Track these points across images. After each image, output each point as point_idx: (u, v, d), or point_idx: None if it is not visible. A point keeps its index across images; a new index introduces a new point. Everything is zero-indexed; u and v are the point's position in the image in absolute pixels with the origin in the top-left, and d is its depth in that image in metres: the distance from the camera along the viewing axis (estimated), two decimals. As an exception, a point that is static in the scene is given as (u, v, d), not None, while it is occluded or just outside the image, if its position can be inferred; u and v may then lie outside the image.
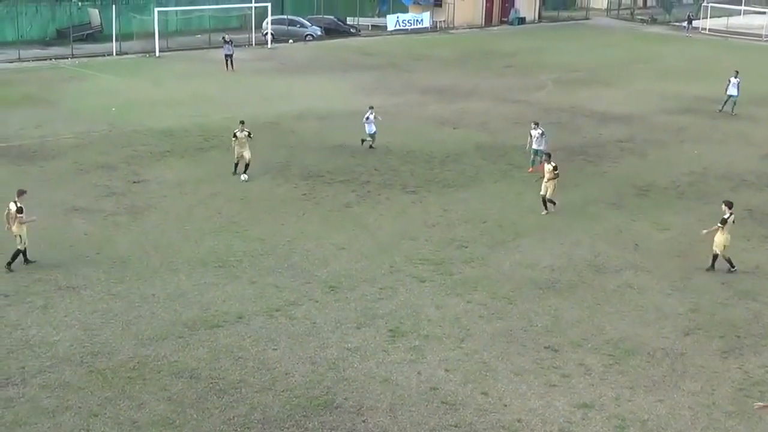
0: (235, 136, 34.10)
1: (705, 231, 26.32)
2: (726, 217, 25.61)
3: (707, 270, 26.07)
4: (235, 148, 34.25)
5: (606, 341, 21.67)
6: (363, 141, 38.70)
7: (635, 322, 22.80)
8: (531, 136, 35.40)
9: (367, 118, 38.35)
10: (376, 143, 38.61)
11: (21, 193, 25.20)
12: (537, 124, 35.74)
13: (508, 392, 19.23)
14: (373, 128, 38.43)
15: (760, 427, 18.27)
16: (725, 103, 48.16)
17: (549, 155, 31.49)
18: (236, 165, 34.38)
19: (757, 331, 22.53)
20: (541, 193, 30.73)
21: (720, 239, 25.79)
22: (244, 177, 33.62)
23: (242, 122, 34.68)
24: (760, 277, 25.89)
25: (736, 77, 47.82)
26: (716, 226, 25.78)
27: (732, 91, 47.81)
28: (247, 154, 34.03)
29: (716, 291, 24.91)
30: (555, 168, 30.41)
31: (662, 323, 22.75)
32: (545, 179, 30.61)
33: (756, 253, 26.98)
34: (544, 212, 30.48)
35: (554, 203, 30.76)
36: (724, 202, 26.35)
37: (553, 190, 30.57)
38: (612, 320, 22.84)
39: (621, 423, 18.21)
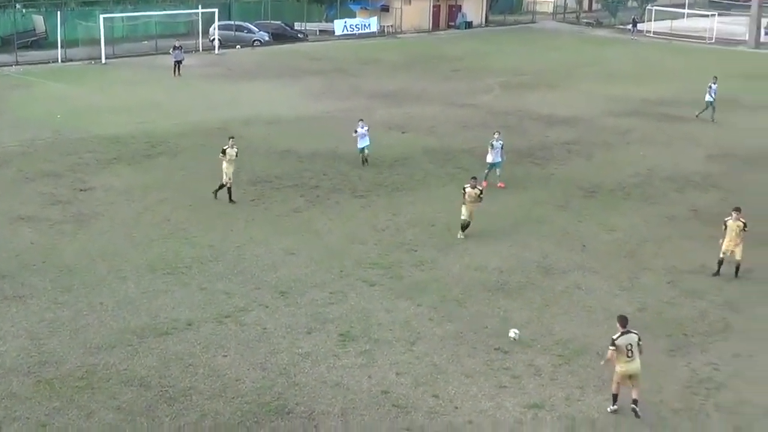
0: (223, 152, 31.42)
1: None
2: (743, 221, 25.68)
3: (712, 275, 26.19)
4: (225, 167, 31.38)
5: (555, 342, 21.84)
6: (364, 161, 36.84)
7: (584, 322, 23.01)
8: (492, 147, 33.99)
9: (356, 131, 36.92)
10: (369, 155, 37.06)
11: None
12: (499, 133, 34.84)
13: (459, 394, 19.31)
14: (367, 141, 36.86)
15: (707, 424, 18.54)
16: (710, 111, 46.87)
17: (475, 178, 29.63)
18: (226, 188, 31.63)
19: (704, 329, 22.84)
20: (462, 217, 28.66)
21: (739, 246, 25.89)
22: None
23: (232, 137, 32.34)
24: (706, 276, 26.23)
25: (715, 83, 47.04)
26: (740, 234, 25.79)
27: (709, 97, 46.73)
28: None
29: (663, 290, 25.22)
30: (480, 193, 28.84)
31: (610, 323, 22.73)
32: (468, 201, 28.62)
33: (701, 252, 27.32)
34: (461, 236, 28.62)
35: (465, 229, 28.71)
36: (734, 209, 26.04)
37: (471, 213, 28.67)
38: (561, 321, 23.03)
39: (571, 423, 18.36)
